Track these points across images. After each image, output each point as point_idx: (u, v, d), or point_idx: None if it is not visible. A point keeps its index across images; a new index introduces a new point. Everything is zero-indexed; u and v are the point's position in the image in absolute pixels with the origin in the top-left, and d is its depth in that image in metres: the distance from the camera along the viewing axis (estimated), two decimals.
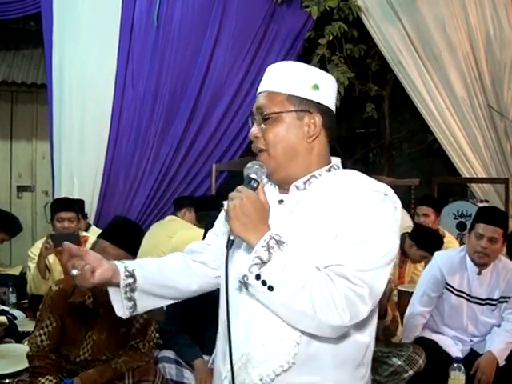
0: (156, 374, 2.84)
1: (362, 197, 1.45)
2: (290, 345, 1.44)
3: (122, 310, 1.60)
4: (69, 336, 2.79)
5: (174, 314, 3.15)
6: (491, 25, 5.16)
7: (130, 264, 1.62)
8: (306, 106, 1.54)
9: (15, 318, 4.13)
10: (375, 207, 1.44)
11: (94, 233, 4.40)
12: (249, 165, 1.53)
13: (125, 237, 2.69)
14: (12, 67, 6.29)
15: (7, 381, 3.06)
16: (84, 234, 4.52)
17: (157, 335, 3.08)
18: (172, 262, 1.72)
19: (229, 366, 1.48)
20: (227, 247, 1.46)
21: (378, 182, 1.53)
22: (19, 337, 3.82)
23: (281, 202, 1.57)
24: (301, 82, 1.55)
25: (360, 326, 1.47)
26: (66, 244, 1.53)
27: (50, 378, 2.67)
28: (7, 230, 5.11)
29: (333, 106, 1.60)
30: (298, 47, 5.43)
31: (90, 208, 5.26)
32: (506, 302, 3.41)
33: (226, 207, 1.45)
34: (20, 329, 3.92)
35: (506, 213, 4.67)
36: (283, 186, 1.59)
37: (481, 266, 3.41)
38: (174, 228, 4.67)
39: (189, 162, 5.39)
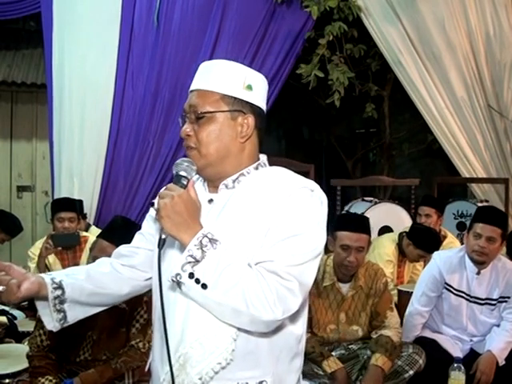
0: None
1: (289, 193, 1.46)
2: (226, 341, 1.45)
3: (51, 323, 1.58)
4: (69, 336, 2.79)
5: None
6: (491, 25, 5.16)
7: (57, 275, 1.60)
8: (240, 106, 1.55)
9: (15, 318, 4.13)
10: (303, 203, 1.46)
11: (94, 233, 4.40)
12: (178, 161, 1.53)
13: (124, 236, 2.68)
14: (12, 67, 6.29)
15: (7, 381, 3.06)
16: (84, 234, 4.53)
17: None
18: (100, 269, 1.72)
19: (167, 368, 1.48)
20: (159, 246, 1.45)
21: (303, 178, 1.54)
22: (19, 337, 3.83)
23: (210, 201, 1.57)
24: (235, 81, 1.55)
25: (293, 318, 1.50)
26: None
27: (50, 377, 2.68)
28: (7, 231, 5.10)
29: (264, 107, 1.62)
30: (298, 47, 5.43)
31: (90, 208, 5.26)
32: (506, 301, 3.42)
33: (156, 206, 1.44)
34: (20, 329, 3.93)
35: (506, 213, 4.67)
36: (212, 184, 1.60)
37: (479, 265, 3.41)
38: None
39: None
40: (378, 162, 8.05)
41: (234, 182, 1.56)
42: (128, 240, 2.72)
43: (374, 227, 5.51)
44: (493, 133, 5.38)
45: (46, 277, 1.57)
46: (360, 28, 5.40)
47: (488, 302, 3.44)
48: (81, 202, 4.97)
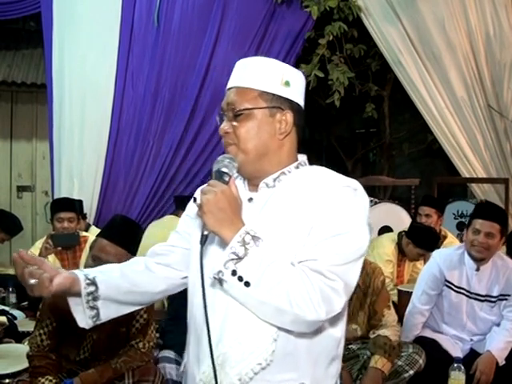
0: (156, 373, 2.84)
1: (332, 192, 1.44)
2: (267, 341, 1.42)
3: (84, 320, 1.54)
4: (69, 336, 2.79)
5: (176, 314, 3.14)
6: (491, 25, 5.16)
7: (91, 272, 1.56)
8: (278, 102, 1.53)
9: (15, 318, 4.13)
10: (347, 202, 1.44)
11: (93, 233, 4.39)
12: (220, 158, 1.51)
13: (124, 235, 2.68)
14: (12, 67, 6.29)
15: (7, 381, 3.06)
16: (84, 233, 4.53)
17: (157, 335, 3.08)
18: (135, 267, 1.67)
19: (204, 368, 1.47)
20: (201, 243, 1.42)
21: (345, 177, 1.52)
22: (19, 337, 3.83)
23: (250, 200, 1.55)
24: (273, 78, 1.53)
25: (333, 320, 1.48)
26: (21, 252, 1.48)
27: (50, 377, 2.67)
28: (7, 230, 5.12)
29: (302, 103, 1.59)
30: (298, 47, 5.43)
31: (90, 208, 5.26)
32: (506, 299, 3.42)
33: (198, 201, 1.42)
34: (20, 329, 3.93)
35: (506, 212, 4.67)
36: (252, 183, 1.58)
37: (479, 261, 3.41)
38: (173, 227, 4.66)
39: (189, 162, 5.39)
40: (378, 161, 8.04)
41: (274, 180, 1.54)
42: (127, 238, 2.70)
43: (374, 227, 5.52)
44: (493, 133, 5.38)
45: (79, 273, 1.53)
46: (360, 28, 5.40)
47: (488, 298, 3.44)
48: (80, 202, 4.98)
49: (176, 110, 5.31)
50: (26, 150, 6.69)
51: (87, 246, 4.08)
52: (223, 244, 1.41)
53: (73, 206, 4.51)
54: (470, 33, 5.20)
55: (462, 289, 3.46)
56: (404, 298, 4.06)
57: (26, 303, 4.55)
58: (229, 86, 1.57)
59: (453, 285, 3.47)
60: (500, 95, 5.26)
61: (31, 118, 6.63)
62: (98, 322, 1.56)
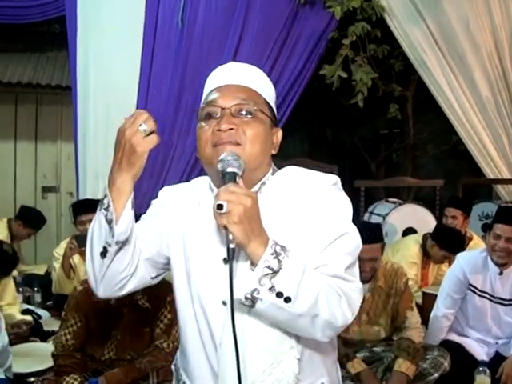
0: None
1: (323, 194, 1.40)
2: (292, 364, 1.35)
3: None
4: (93, 335, 2.81)
5: None
6: None
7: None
8: (274, 118, 1.50)
9: (40, 317, 4.18)
10: (339, 202, 1.42)
11: None
12: (224, 157, 1.33)
13: None
14: (37, 69, 6.36)
15: (32, 379, 3.10)
16: None
17: None
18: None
19: None
20: (229, 259, 1.23)
21: (321, 173, 1.47)
22: (44, 336, 3.87)
23: None
24: (273, 93, 1.52)
25: None
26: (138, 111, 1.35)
27: (75, 376, 2.70)
28: (32, 224, 5.20)
29: None
30: (321, 48, 5.40)
31: None
32: None
33: (225, 209, 1.19)
34: (45, 328, 3.98)
35: None
36: None
37: (501, 266, 3.37)
38: None
39: None
40: (401, 162, 7.99)
41: (258, 191, 1.44)
42: None
43: (398, 229, 5.49)
44: None
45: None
46: (383, 28, 5.37)
47: None
48: None
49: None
50: (50, 151, 6.76)
51: None
52: (242, 259, 1.31)
53: (93, 206, 4.53)
54: (495, 32, 5.14)
55: (486, 293, 3.43)
56: (429, 300, 4.02)
57: (50, 302, 4.60)
58: (231, 82, 1.46)
59: (476, 289, 3.44)
60: None
61: (56, 119, 6.70)
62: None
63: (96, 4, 5.17)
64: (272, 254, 1.22)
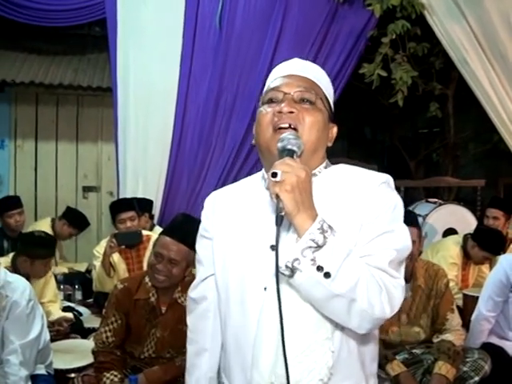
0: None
1: (373, 191, 1.40)
2: (326, 355, 1.33)
3: None
4: (133, 333, 2.84)
5: None
6: None
7: None
8: (331, 113, 1.53)
9: (81, 314, 4.24)
10: (389, 200, 1.41)
11: (157, 232, 4.45)
12: (284, 136, 1.37)
13: (185, 232, 2.68)
14: (78, 71, 6.45)
15: (73, 375, 3.14)
16: (147, 232, 4.61)
17: None
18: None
19: None
20: (277, 224, 1.26)
21: (376, 172, 1.48)
22: (85, 333, 3.93)
23: None
24: (331, 92, 1.56)
25: None
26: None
27: (115, 373, 2.73)
28: (76, 225, 5.31)
29: None
30: (361, 46, 5.36)
31: (154, 208, 5.34)
32: None
33: (279, 178, 1.24)
34: (85, 325, 4.04)
35: None
36: None
37: None
38: None
39: (250, 163, 5.39)
40: (441, 162, 7.88)
41: None
42: (189, 235, 2.71)
43: (438, 229, 5.42)
44: None
45: None
46: (423, 26, 5.30)
47: None
48: (150, 201, 5.10)
49: (238, 111, 5.33)
50: (91, 151, 6.85)
51: (150, 244, 4.15)
52: (289, 231, 1.32)
53: (131, 204, 4.61)
54: None
55: None
56: (470, 302, 3.96)
57: (91, 300, 4.67)
58: (295, 72, 1.51)
59: None
60: None
61: (97, 120, 6.79)
62: None
63: (136, 6, 5.23)
64: (319, 229, 1.24)
